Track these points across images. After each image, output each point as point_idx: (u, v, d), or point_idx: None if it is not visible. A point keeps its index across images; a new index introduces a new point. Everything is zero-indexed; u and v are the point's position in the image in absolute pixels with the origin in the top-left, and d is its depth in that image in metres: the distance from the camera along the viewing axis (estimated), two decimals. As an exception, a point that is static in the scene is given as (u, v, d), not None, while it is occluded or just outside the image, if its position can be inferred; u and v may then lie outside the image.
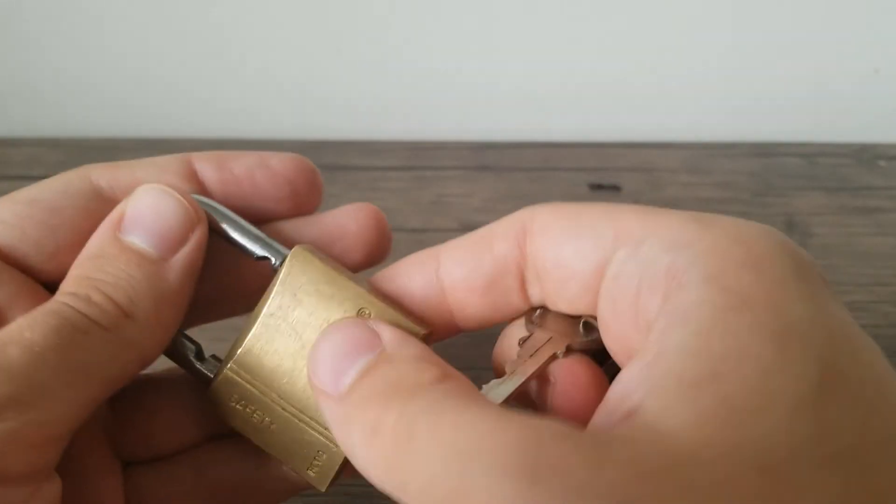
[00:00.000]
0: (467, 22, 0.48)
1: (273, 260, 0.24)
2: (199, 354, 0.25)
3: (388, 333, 0.22)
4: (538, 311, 0.24)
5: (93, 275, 0.22)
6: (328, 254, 0.25)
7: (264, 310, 0.24)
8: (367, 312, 0.23)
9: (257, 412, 0.24)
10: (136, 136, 0.51)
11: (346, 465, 0.24)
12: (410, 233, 0.45)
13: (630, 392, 0.18)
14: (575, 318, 0.24)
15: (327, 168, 0.49)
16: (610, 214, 0.22)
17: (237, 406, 0.24)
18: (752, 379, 0.16)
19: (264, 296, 0.24)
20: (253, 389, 0.24)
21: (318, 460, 0.24)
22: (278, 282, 0.24)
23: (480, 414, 0.18)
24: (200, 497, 0.27)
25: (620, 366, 0.22)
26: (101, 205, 0.25)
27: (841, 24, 0.48)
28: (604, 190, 0.47)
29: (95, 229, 0.24)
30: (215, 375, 0.24)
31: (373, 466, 0.19)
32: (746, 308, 0.18)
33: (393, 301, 0.24)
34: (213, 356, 0.25)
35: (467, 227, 0.47)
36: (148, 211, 0.23)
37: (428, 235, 0.44)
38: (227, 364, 0.24)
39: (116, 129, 0.52)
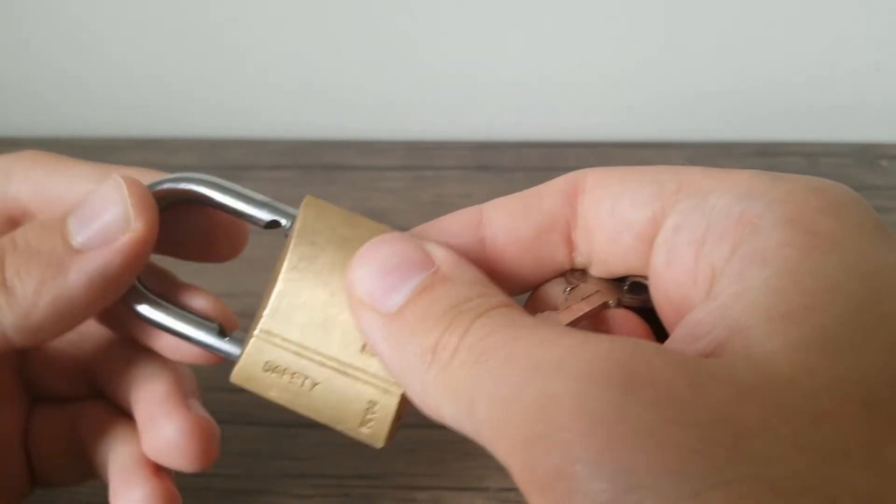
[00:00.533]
0: (467, 22, 0.48)
1: (283, 222, 0.23)
2: (223, 332, 0.24)
3: (441, 253, 0.20)
4: (578, 273, 0.23)
5: (17, 237, 0.22)
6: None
7: (284, 266, 0.22)
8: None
9: (296, 376, 0.22)
10: (136, 135, 0.51)
11: (401, 413, 0.22)
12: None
13: (704, 332, 0.17)
14: (618, 282, 0.23)
15: (327, 168, 0.49)
16: (673, 169, 0.21)
17: (272, 375, 0.22)
18: (847, 315, 0.16)
19: (281, 254, 0.23)
20: (287, 352, 0.22)
21: (370, 413, 0.22)
22: (294, 234, 0.22)
23: (560, 331, 0.17)
24: (70, 449, 0.27)
25: (669, 326, 0.21)
26: (4, 202, 0.25)
27: (842, 24, 0.48)
28: (604, 190, 0.47)
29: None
30: (242, 349, 0.23)
31: (434, 388, 0.18)
32: (832, 249, 0.17)
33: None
34: (236, 333, 0.24)
35: (467, 227, 0.47)
36: (96, 201, 0.23)
37: (428, 235, 0.44)
38: (253, 331, 0.22)
39: (116, 129, 0.51)
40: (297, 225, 0.22)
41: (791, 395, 0.15)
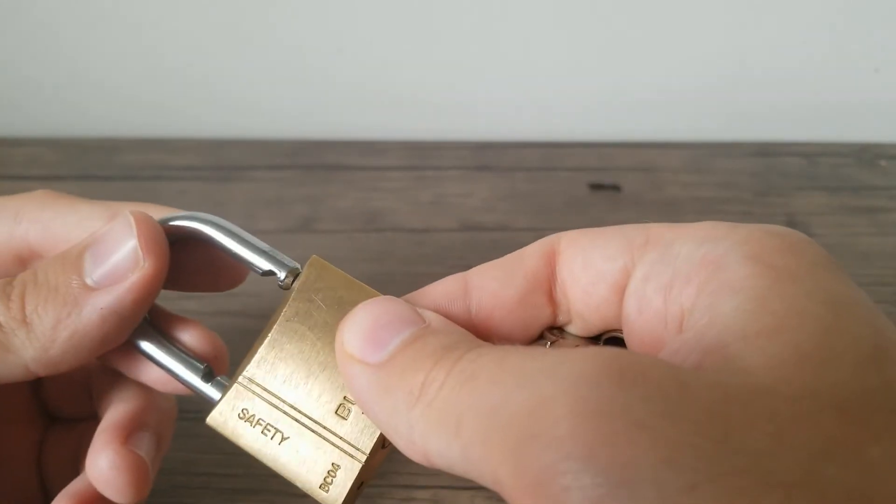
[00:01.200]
0: (467, 22, 0.48)
1: (279, 274, 0.24)
2: (208, 375, 0.25)
3: (430, 314, 0.21)
4: (557, 330, 0.24)
5: (38, 272, 0.23)
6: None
7: (280, 318, 0.23)
8: None
9: (268, 427, 0.23)
10: (136, 135, 0.51)
11: (363, 478, 0.23)
12: (410, 233, 0.45)
13: (681, 359, 0.18)
14: (595, 339, 0.24)
15: (327, 168, 0.49)
16: (640, 226, 0.22)
17: (245, 424, 0.23)
18: (816, 335, 0.17)
19: (279, 308, 0.23)
20: (264, 402, 0.23)
21: (331, 475, 0.23)
22: (295, 289, 0.23)
23: (550, 349, 0.18)
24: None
25: None
26: (11, 240, 0.26)
27: (841, 24, 0.48)
28: (604, 190, 0.47)
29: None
30: (222, 395, 0.24)
31: (421, 423, 0.18)
32: (794, 280, 0.18)
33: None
34: (221, 378, 0.25)
35: (467, 227, 0.47)
36: (109, 238, 0.24)
37: (428, 235, 0.44)
38: (237, 376, 0.23)
39: (116, 129, 0.52)
40: (301, 280, 0.23)
41: (772, 399, 0.16)
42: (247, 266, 0.25)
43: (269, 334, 0.23)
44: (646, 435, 0.15)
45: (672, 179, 0.48)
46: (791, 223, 0.45)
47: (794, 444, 0.15)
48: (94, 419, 0.28)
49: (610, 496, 0.15)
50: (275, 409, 0.23)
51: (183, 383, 0.25)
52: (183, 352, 0.25)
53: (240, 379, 0.23)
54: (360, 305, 0.21)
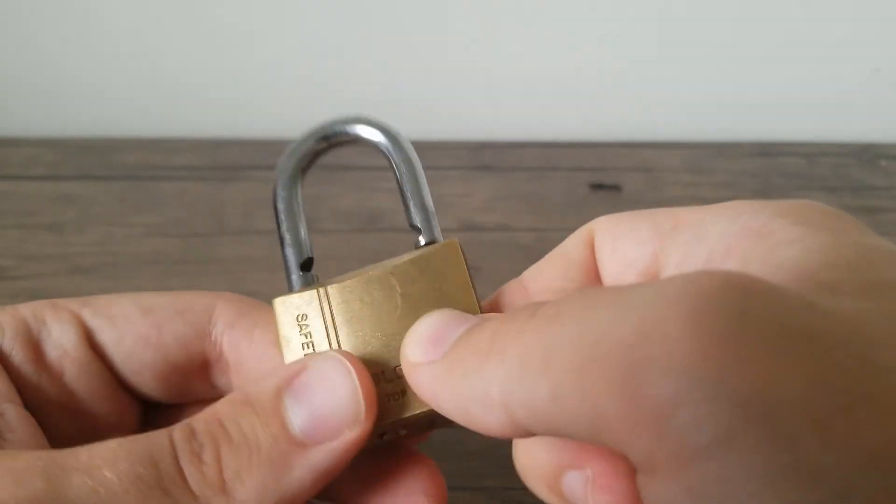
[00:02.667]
0: (467, 22, 0.48)
1: (422, 238, 0.25)
2: (307, 265, 0.25)
3: (492, 315, 0.20)
4: None
5: (227, 423, 0.20)
6: None
7: (389, 266, 0.24)
8: None
9: (310, 343, 0.23)
10: (135, 135, 0.51)
11: (383, 433, 0.23)
12: (410, 233, 0.44)
13: None
14: None
15: (327, 168, 0.49)
16: (667, 210, 0.22)
17: (296, 326, 0.23)
18: (886, 273, 0.16)
19: (398, 257, 0.24)
20: (322, 322, 0.23)
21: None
22: (419, 255, 0.24)
23: (642, 282, 0.17)
24: None
25: None
26: (204, 342, 0.25)
27: (841, 24, 0.48)
28: (604, 190, 0.47)
29: (187, 365, 0.24)
30: (303, 289, 0.24)
31: (497, 372, 0.17)
32: (849, 235, 0.18)
33: None
34: (314, 275, 0.25)
35: (467, 227, 0.47)
36: (320, 385, 0.21)
37: (428, 235, 0.44)
38: (321, 284, 0.24)
39: (116, 129, 0.51)
40: (428, 250, 0.24)
41: (892, 319, 0.15)
42: (405, 207, 0.25)
43: (370, 272, 0.23)
44: (786, 355, 0.13)
45: (672, 179, 0.48)
46: (791, 223, 0.45)
47: None
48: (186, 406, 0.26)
49: (749, 427, 0.13)
50: (325, 337, 0.23)
51: (285, 260, 0.25)
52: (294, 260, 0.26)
53: (320, 289, 0.24)
54: (419, 321, 0.21)
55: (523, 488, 0.34)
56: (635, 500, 0.18)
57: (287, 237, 0.26)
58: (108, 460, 0.19)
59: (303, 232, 0.26)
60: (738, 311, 0.14)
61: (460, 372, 0.18)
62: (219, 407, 0.20)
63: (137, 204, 0.46)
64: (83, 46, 0.50)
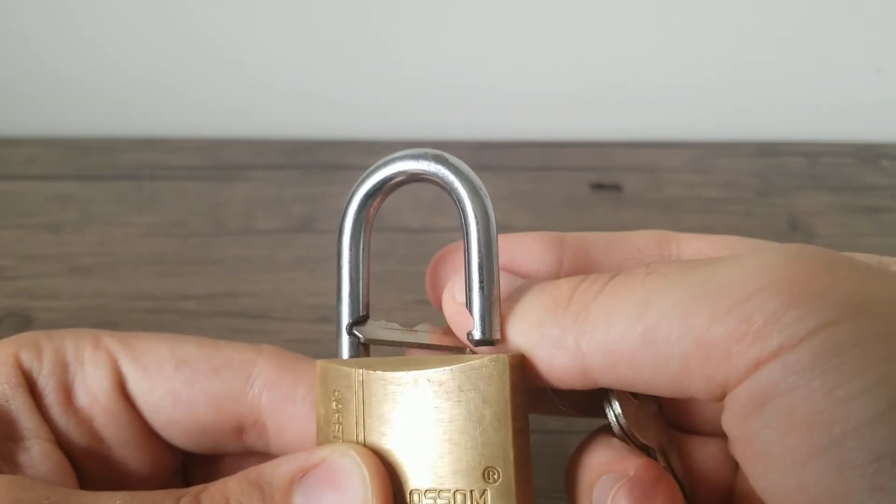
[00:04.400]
0: (467, 22, 0.48)
1: (476, 332, 0.21)
2: (359, 322, 0.23)
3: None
4: None
5: (232, 502, 0.20)
6: None
7: (430, 373, 0.21)
8: (493, 473, 0.20)
9: (339, 423, 0.21)
10: (136, 135, 0.51)
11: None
12: (410, 233, 0.44)
13: None
14: None
15: (327, 168, 0.49)
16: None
17: (332, 398, 0.22)
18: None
19: (442, 358, 0.21)
20: (355, 404, 0.21)
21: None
22: (461, 366, 0.21)
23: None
24: None
25: None
26: (240, 404, 0.24)
27: (843, 24, 0.48)
28: (605, 190, 0.47)
29: (219, 424, 0.23)
30: (350, 353, 0.22)
31: (580, 322, 0.19)
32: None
33: (523, 464, 0.21)
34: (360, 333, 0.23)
35: (467, 227, 0.47)
36: (331, 485, 0.20)
37: (428, 235, 0.44)
38: (365, 366, 0.22)
39: (116, 129, 0.51)
40: (476, 363, 0.21)
41: None
42: (469, 308, 0.21)
43: (406, 369, 0.21)
44: (875, 279, 0.18)
45: (673, 179, 0.48)
46: (793, 223, 0.45)
47: None
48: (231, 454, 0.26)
49: (851, 315, 0.17)
50: (354, 425, 0.21)
51: (338, 316, 0.23)
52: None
53: (357, 371, 0.21)
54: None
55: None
56: None
57: (346, 293, 0.23)
58: None
59: (362, 287, 0.23)
60: (832, 257, 0.18)
61: (532, 319, 0.20)
62: (231, 484, 0.20)
63: (137, 204, 0.46)
64: (83, 46, 0.50)
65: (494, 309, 0.21)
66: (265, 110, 0.52)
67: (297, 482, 0.20)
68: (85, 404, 0.23)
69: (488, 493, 0.20)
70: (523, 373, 0.21)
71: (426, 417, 0.21)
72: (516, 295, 0.21)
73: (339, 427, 0.22)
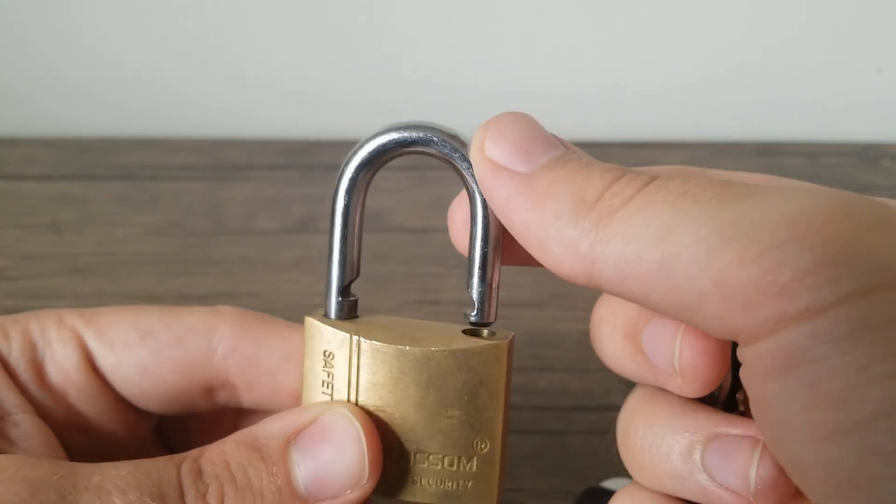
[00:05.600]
0: (466, 22, 0.48)
1: (473, 315, 0.22)
2: (345, 291, 0.23)
3: (572, 146, 0.21)
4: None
5: (233, 467, 0.20)
6: None
7: (429, 352, 0.21)
8: (482, 444, 0.22)
9: (332, 384, 0.22)
10: (136, 135, 0.51)
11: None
12: (410, 233, 0.44)
13: None
14: None
15: (327, 168, 0.49)
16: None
17: (324, 359, 0.22)
18: None
19: (439, 333, 0.22)
20: (349, 369, 0.22)
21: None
22: (462, 348, 0.21)
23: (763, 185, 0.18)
24: None
25: None
26: (206, 368, 0.24)
27: (844, 23, 0.48)
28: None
29: (189, 388, 0.24)
30: (339, 314, 0.22)
31: (599, 229, 0.18)
32: None
33: (507, 433, 0.22)
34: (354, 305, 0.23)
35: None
36: (329, 442, 0.21)
37: (428, 235, 0.44)
38: (358, 319, 0.22)
39: (115, 129, 0.51)
40: (471, 348, 0.21)
41: None
42: (469, 277, 0.22)
43: (407, 346, 0.21)
44: None
45: (673, 179, 0.48)
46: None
47: None
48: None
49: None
50: (346, 386, 0.22)
51: (328, 277, 0.23)
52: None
53: (354, 338, 0.22)
54: (499, 115, 0.21)
55: (526, 490, 0.33)
56: (722, 356, 0.20)
57: (337, 253, 0.23)
58: (118, 486, 0.19)
59: (356, 250, 0.23)
60: (884, 214, 0.16)
61: (553, 209, 0.18)
62: (228, 447, 0.21)
63: (136, 204, 0.46)
64: (82, 46, 0.50)
65: (493, 294, 0.22)
66: (265, 110, 0.52)
67: (292, 441, 0.21)
68: (58, 381, 0.24)
69: (475, 459, 0.22)
70: (512, 357, 0.22)
71: (421, 390, 0.21)
72: (550, 166, 0.19)
73: (329, 386, 0.22)
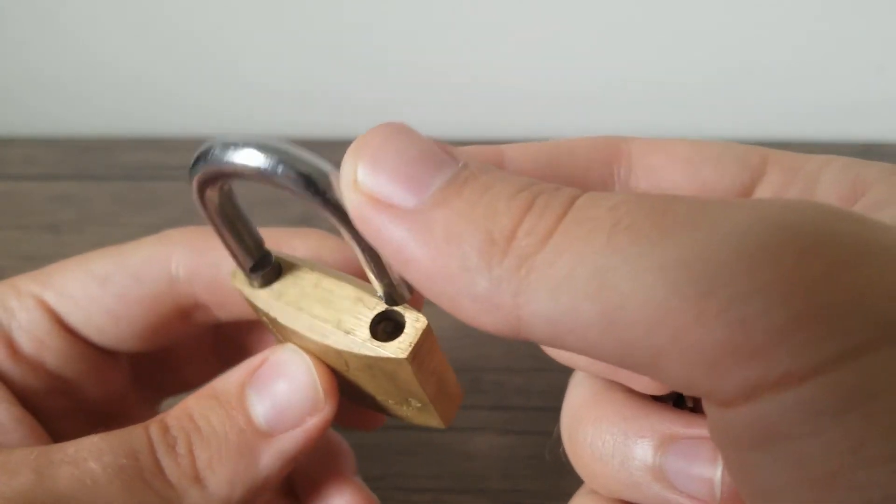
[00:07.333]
0: (466, 22, 0.48)
1: (387, 307, 0.20)
2: (257, 266, 0.22)
3: (461, 151, 0.16)
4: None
5: (196, 418, 0.21)
6: None
7: (339, 350, 0.20)
8: (413, 401, 0.22)
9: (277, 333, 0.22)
10: (136, 135, 0.51)
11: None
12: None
13: None
14: None
15: (327, 168, 0.49)
16: (747, 146, 0.20)
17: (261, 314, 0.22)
18: None
19: (347, 336, 0.20)
20: (276, 332, 0.22)
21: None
22: (369, 355, 0.20)
23: (709, 199, 0.15)
24: None
25: None
26: (174, 296, 0.24)
27: (845, 22, 0.48)
28: (605, 190, 0.47)
29: (163, 319, 0.24)
30: (254, 284, 0.22)
31: (520, 278, 0.14)
32: None
33: (441, 388, 0.22)
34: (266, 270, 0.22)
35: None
36: (280, 377, 0.21)
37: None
38: (269, 315, 0.22)
39: (115, 129, 0.51)
40: (375, 357, 0.20)
41: None
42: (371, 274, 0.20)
43: (318, 338, 0.21)
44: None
45: (673, 179, 0.48)
46: (793, 223, 0.45)
47: None
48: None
49: (889, 337, 0.12)
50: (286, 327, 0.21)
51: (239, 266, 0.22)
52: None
53: (268, 316, 0.22)
54: (370, 132, 0.16)
55: (525, 490, 0.33)
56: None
57: (226, 249, 0.22)
58: (93, 453, 0.20)
59: (246, 234, 0.22)
60: (863, 242, 0.13)
61: (457, 257, 0.14)
62: (189, 402, 0.22)
63: (136, 204, 0.46)
64: (82, 46, 0.50)
65: (400, 280, 0.20)
66: (265, 110, 0.52)
67: (247, 384, 0.22)
68: (32, 350, 0.24)
69: (413, 408, 0.22)
70: (430, 341, 0.20)
71: (344, 366, 0.21)
72: (444, 196, 0.15)
73: (277, 336, 0.23)
